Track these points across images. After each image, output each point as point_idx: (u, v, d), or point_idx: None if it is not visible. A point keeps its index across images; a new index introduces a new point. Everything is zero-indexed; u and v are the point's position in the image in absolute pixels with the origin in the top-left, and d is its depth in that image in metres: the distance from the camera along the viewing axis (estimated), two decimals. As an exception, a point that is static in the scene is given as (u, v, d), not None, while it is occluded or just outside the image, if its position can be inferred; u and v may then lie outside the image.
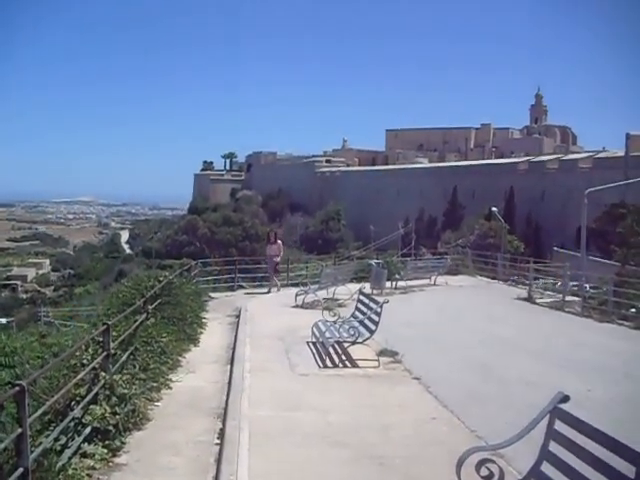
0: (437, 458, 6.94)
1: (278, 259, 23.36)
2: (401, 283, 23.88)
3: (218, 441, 7.71)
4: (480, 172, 76.73)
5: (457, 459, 5.13)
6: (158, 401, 9.28)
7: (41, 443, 6.14)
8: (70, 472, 6.39)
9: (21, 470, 5.35)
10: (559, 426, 4.73)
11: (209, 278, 23.89)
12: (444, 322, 16.57)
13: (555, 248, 43.73)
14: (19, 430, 5.34)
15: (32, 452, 5.60)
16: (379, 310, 11.76)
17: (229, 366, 11.62)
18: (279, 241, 24.02)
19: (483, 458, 4.91)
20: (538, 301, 20.74)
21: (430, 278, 25.30)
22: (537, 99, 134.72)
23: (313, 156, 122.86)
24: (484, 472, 4.85)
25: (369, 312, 12.35)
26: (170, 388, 10.06)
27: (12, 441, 5.39)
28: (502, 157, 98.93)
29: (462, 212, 66.44)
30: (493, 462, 4.89)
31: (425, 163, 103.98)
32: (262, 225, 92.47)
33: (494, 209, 39.48)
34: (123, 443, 7.51)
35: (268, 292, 22.97)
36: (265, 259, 24.61)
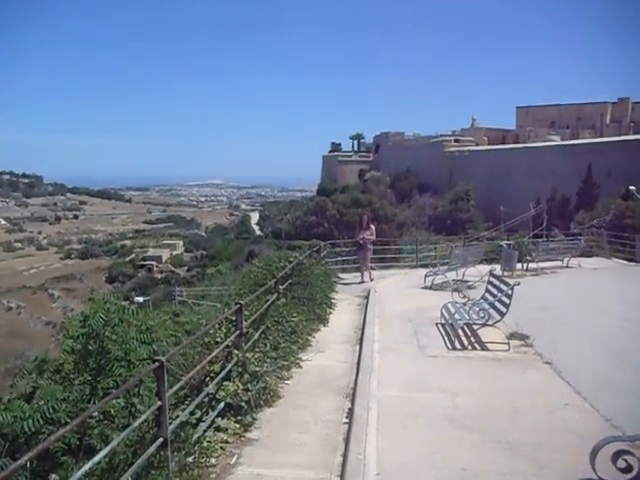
0: (569, 446, 6.76)
1: (370, 246, 21.36)
2: (532, 265, 23.24)
3: (346, 420, 7.82)
4: (617, 149, 73.13)
5: (591, 448, 4.99)
6: (288, 379, 9.51)
7: (177, 416, 6.43)
8: (205, 444, 6.67)
9: (161, 440, 5.63)
10: None
11: (338, 259, 24.03)
12: (577, 305, 15.98)
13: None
14: (159, 403, 5.62)
15: (170, 424, 5.87)
16: (510, 292, 11.54)
17: (358, 346, 11.72)
18: (372, 226, 21.77)
19: (620, 449, 4.75)
20: (682, 285, 19.70)
21: (562, 260, 24.50)
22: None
23: (441, 136, 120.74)
24: (621, 464, 4.68)
25: (500, 294, 12.13)
26: (300, 367, 10.28)
27: (152, 413, 5.67)
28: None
29: (597, 191, 63.69)
30: (632, 454, 4.70)
31: (557, 141, 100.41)
32: (391, 206, 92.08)
33: (632, 188, 37.74)
34: (254, 419, 7.75)
35: (361, 282, 20.59)
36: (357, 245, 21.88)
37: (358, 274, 21.28)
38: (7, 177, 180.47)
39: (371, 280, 20.81)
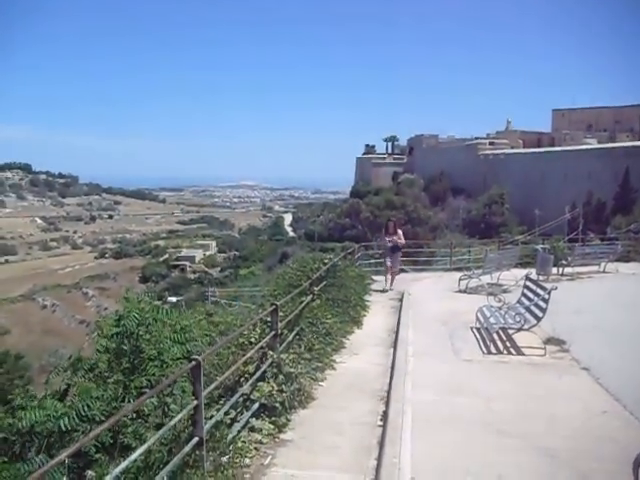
0: (609, 454, 6.65)
1: (399, 255, 19.95)
2: (568, 269, 22.99)
3: (381, 423, 7.77)
4: (656, 152, 72.40)
5: (632, 458, 4.88)
6: (322, 381, 9.49)
7: (212, 416, 6.43)
8: (239, 444, 6.67)
9: (196, 439, 5.64)
10: None
11: (372, 261, 23.96)
12: (615, 311, 15.73)
13: None
14: (194, 402, 5.63)
15: (205, 424, 5.87)
16: (547, 297, 11.40)
17: (392, 349, 11.65)
18: (399, 231, 19.93)
19: (663, 458, 4.63)
20: None
21: (599, 265, 24.19)
22: None
23: (476, 138, 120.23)
24: (663, 473, 4.56)
25: (536, 298, 11.99)
26: (334, 369, 10.25)
27: (188, 412, 5.68)
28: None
29: (635, 195, 62.98)
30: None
31: (594, 144, 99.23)
32: (424, 209, 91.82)
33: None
34: (288, 420, 7.74)
35: (384, 291, 19.03)
36: (382, 251, 20.45)
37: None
38: (44, 177, 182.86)
39: (391, 289, 19.17)
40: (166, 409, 6.51)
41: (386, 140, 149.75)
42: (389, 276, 19.54)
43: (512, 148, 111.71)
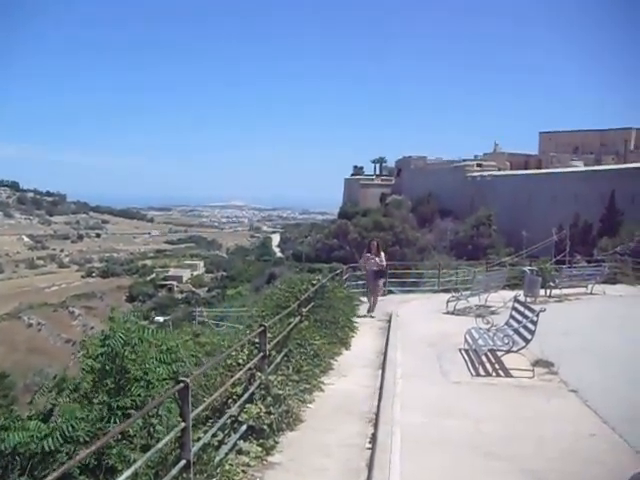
0: (597, 477, 6.65)
1: (381, 281, 19.28)
2: (555, 291, 23.06)
3: (369, 445, 7.72)
4: (641, 175, 73.04)
5: (620, 480, 4.86)
6: (311, 403, 9.43)
7: (199, 438, 6.36)
8: (227, 467, 6.60)
9: (184, 462, 5.58)
10: None
11: (359, 282, 23.93)
12: (603, 333, 15.76)
13: None
14: (182, 424, 5.56)
15: (193, 446, 5.80)
16: (535, 319, 11.41)
17: (380, 371, 11.61)
18: (382, 253, 18.76)
19: (652, 482, 4.61)
20: None
21: (586, 286, 24.29)
22: None
23: (463, 160, 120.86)
24: (653, 497, 4.53)
25: (524, 320, 12.00)
26: (322, 390, 10.20)
27: (175, 434, 5.62)
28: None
29: (620, 218, 63.40)
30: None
31: (580, 166, 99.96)
32: (412, 230, 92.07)
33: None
34: (277, 442, 7.68)
35: (367, 316, 18.16)
36: (364, 273, 19.63)
37: (380, 297, 19.59)
38: (31, 195, 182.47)
39: (372, 316, 18.16)
40: (152, 430, 6.43)
41: (374, 161, 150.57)
42: (372, 300, 18.74)
43: (500, 170, 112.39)
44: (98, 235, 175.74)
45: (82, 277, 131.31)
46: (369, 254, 18.54)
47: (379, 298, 19.22)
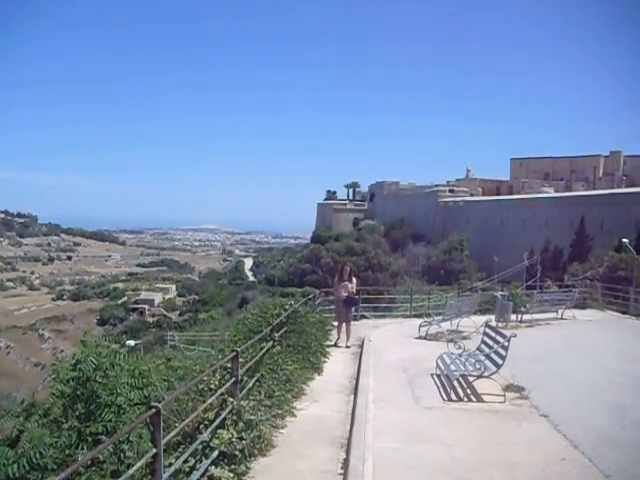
0: (568, 502, 6.67)
1: (353, 309, 18.73)
2: (527, 316, 23.23)
3: (342, 471, 7.69)
4: (609, 202, 74.01)
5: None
6: (283, 428, 9.39)
7: (171, 464, 6.31)
8: (199, 494, 6.54)
9: (155, 489, 5.51)
10: None
11: (332, 307, 23.89)
12: (573, 358, 15.95)
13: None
14: (154, 450, 5.51)
15: (164, 472, 5.75)
16: (506, 344, 11.47)
17: (352, 396, 11.62)
18: (354, 279, 18.21)
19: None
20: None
21: (557, 311, 24.52)
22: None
23: (436, 186, 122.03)
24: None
25: (496, 345, 12.06)
26: (294, 416, 10.16)
27: (146, 460, 5.56)
28: (634, 186, 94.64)
29: (590, 243, 64.23)
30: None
31: (551, 193, 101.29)
32: (385, 255, 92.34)
33: (625, 240, 37.89)
34: (248, 468, 7.62)
35: (335, 344, 17.56)
36: (335, 299, 18.73)
37: (355, 323, 19.55)
38: (2, 216, 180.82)
39: (347, 347, 17.54)
40: (122, 456, 6.37)
41: (347, 186, 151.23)
42: (343, 329, 17.91)
43: (472, 195, 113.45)
44: (69, 257, 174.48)
45: (52, 300, 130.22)
46: (345, 281, 17.77)
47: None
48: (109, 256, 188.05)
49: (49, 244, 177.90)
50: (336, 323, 18.66)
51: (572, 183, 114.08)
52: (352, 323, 18.84)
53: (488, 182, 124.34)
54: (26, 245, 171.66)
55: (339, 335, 17.98)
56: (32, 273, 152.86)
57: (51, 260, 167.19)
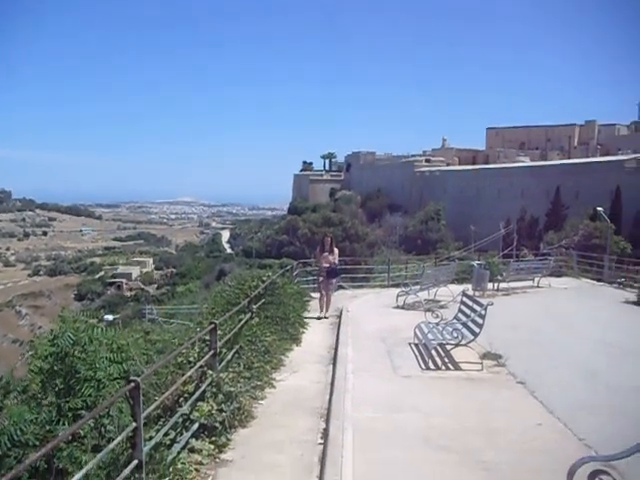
0: (544, 466, 6.77)
1: (335, 280, 18.36)
2: (503, 285, 23.43)
3: (322, 441, 7.76)
4: (584, 171, 74.34)
5: (566, 468, 4.97)
6: (262, 399, 9.44)
7: (151, 437, 6.32)
8: (179, 466, 6.56)
9: (135, 462, 5.53)
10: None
11: (310, 278, 23.92)
12: (549, 325, 16.14)
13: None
14: (134, 424, 5.52)
15: (145, 446, 5.76)
16: (483, 312, 11.57)
17: (331, 366, 11.68)
18: (336, 249, 17.96)
19: (596, 469, 4.73)
20: (648, 305, 19.91)
21: (533, 280, 24.75)
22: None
23: (412, 156, 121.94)
24: (597, 484, 4.64)
25: (473, 314, 12.16)
26: (274, 387, 10.21)
27: (126, 434, 5.57)
28: (608, 155, 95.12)
29: (565, 212, 64.68)
30: (607, 474, 4.69)
31: (527, 162, 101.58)
32: (362, 225, 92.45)
33: (599, 209, 38.25)
34: (229, 440, 7.66)
35: (319, 318, 17.40)
36: (319, 270, 18.07)
37: (333, 294, 18.88)
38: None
39: (325, 317, 17.49)
40: (103, 431, 6.37)
41: (323, 157, 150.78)
42: (324, 301, 17.78)
43: (448, 165, 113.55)
44: (45, 233, 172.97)
45: (29, 276, 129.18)
46: (325, 252, 17.60)
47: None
48: (80, 230, 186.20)
49: (24, 219, 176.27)
50: (317, 295, 18.58)
51: (547, 152, 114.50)
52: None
53: (464, 152, 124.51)
54: (0, 221, 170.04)
55: (321, 308, 17.81)
56: (7, 249, 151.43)
57: (26, 236, 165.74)
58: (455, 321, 12.94)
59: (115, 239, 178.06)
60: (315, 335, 15.04)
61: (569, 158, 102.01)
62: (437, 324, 13.09)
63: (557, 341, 13.91)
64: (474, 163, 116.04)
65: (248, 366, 10.21)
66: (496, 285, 23.19)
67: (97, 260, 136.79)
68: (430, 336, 12.22)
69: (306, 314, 16.95)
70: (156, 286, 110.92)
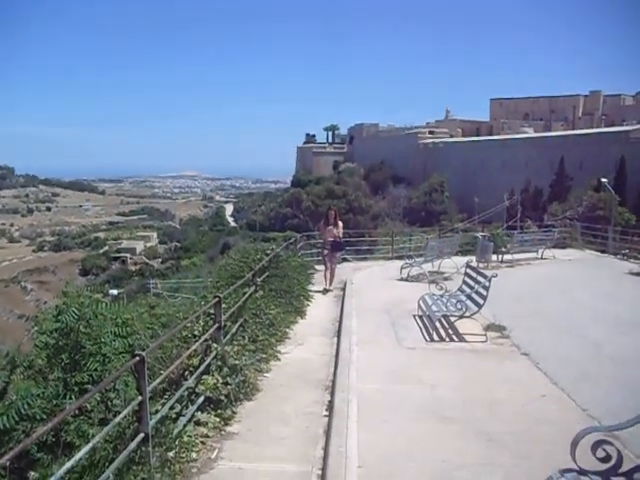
0: (548, 436, 6.80)
1: (339, 253, 18.41)
2: (507, 256, 23.39)
3: (327, 413, 7.81)
4: (589, 141, 73.89)
5: (570, 438, 4.99)
6: (267, 372, 9.49)
7: (157, 411, 6.36)
8: (185, 439, 6.62)
9: (142, 435, 5.57)
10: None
11: (314, 251, 23.91)
12: (553, 297, 16.15)
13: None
14: (139, 398, 5.55)
15: (151, 419, 5.80)
16: (487, 284, 11.58)
17: (336, 338, 11.73)
18: (340, 222, 17.89)
19: (599, 439, 4.73)
20: (652, 276, 19.89)
21: (537, 251, 24.69)
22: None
23: (416, 127, 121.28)
24: (600, 454, 4.65)
25: (477, 286, 12.17)
26: (279, 360, 10.26)
27: (132, 408, 5.61)
28: (612, 125, 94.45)
29: (569, 183, 64.33)
30: (610, 444, 4.70)
31: (531, 133, 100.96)
32: (365, 197, 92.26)
33: (604, 180, 38.10)
34: (234, 413, 7.71)
35: (324, 292, 17.29)
36: (323, 244, 18.13)
37: (337, 266, 18.93)
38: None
39: (330, 290, 17.47)
40: (109, 404, 6.42)
41: (327, 129, 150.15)
42: (328, 274, 17.69)
43: (451, 137, 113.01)
44: (48, 208, 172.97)
45: (33, 251, 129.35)
46: (330, 225, 17.54)
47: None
48: (80, 206, 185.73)
49: (27, 195, 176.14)
50: (322, 267, 18.44)
51: (552, 123, 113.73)
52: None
53: (468, 123, 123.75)
54: (3, 197, 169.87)
55: (326, 281, 17.71)
56: (11, 225, 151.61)
57: (30, 211, 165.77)
58: (459, 293, 12.96)
59: (119, 214, 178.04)
60: (319, 308, 15.08)
61: (573, 129, 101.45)
62: (441, 296, 13.10)
63: (561, 312, 13.91)
64: (478, 134, 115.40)
65: (253, 339, 10.26)
66: (500, 257, 23.15)
67: (101, 235, 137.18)
68: (434, 308, 12.24)
69: (310, 287, 16.95)
70: (160, 260, 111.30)
